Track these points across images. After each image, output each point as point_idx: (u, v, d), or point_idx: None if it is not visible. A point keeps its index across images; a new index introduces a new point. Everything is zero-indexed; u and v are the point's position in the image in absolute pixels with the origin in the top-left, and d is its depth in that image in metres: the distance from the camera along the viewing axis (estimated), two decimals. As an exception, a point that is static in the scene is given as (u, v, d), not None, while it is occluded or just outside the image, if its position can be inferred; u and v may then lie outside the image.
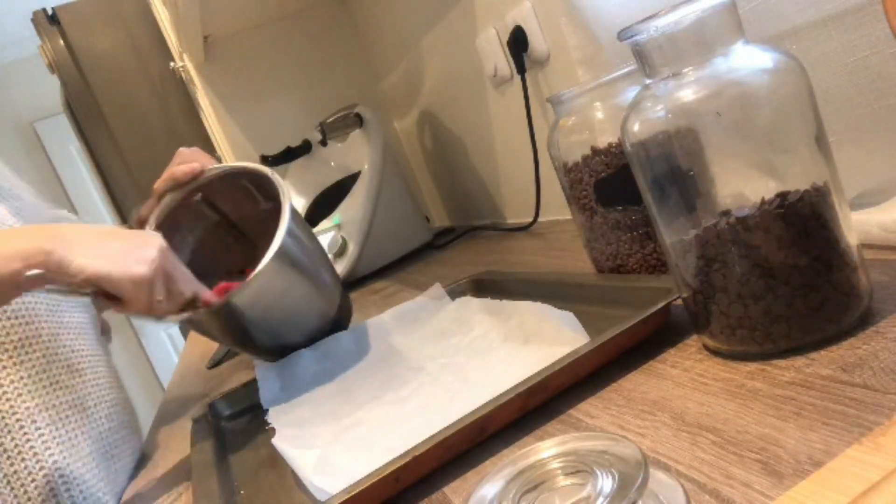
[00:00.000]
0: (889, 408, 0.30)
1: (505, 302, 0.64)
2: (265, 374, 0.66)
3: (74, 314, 0.69)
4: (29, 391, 0.59)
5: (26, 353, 0.61)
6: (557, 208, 1.07)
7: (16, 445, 0.57)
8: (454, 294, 0.77)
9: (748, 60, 0.39)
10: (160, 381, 3.50)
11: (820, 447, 0.30)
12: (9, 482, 0.56)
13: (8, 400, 0.58)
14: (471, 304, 0.70)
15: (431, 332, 0.68)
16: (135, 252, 0.55)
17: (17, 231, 0.60)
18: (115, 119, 1.79)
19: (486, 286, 0.77)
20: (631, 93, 0.57)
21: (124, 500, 0.62)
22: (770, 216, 0.38)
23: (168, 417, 0.86)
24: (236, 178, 0.75)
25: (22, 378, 0.59)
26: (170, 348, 3.55)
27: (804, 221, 0.38)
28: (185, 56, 1.61)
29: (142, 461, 0.70)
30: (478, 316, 0.66)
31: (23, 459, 0.57)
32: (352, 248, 1.24)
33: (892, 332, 0.37)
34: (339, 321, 0.77)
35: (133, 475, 0.68)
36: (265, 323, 0.69)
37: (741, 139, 0.39)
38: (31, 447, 0.58)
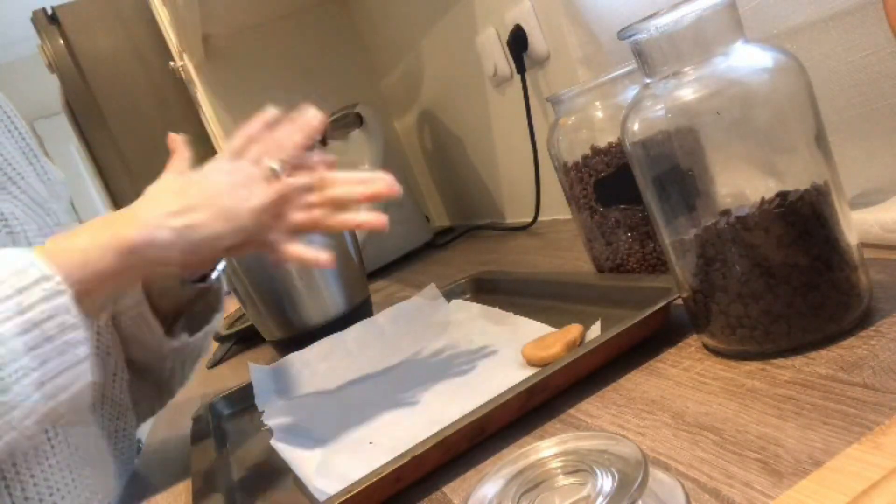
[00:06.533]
0: (889, 407, 0.30)
1: (508, 314, 0.63)
2: (260, 377, 0.66)
3: None
4: None
5: None
6: (557, 208, 1.07)
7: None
8: (454, 294, 0.77)
9: (748, 60, 0.39)
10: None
11: (820, 446, 0.30)
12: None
13: None
14: (472, 309, 0.70)
15: (429, 334, 0.68)
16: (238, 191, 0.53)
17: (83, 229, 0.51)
18: (115, 119, 1.79)
19: (486, 286, 0.77)
20: (631, 92, 0.57)
21: (123, 500, 0.62)
22: (770, 215, 0.38)
23: (168, 417, 0.86)
24: None
25: None
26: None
27: (804, 221, 0.38)
28: (184, 56, 1.61)
29: (141, 461, 0.70)
30: (477, 321, 0.66)
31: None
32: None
33: (892, 332, 0.36)
34: (363, 306, 0.82)
35: (132, 475, 0.68)
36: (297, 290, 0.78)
37: (741, 138, 0.39)
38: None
